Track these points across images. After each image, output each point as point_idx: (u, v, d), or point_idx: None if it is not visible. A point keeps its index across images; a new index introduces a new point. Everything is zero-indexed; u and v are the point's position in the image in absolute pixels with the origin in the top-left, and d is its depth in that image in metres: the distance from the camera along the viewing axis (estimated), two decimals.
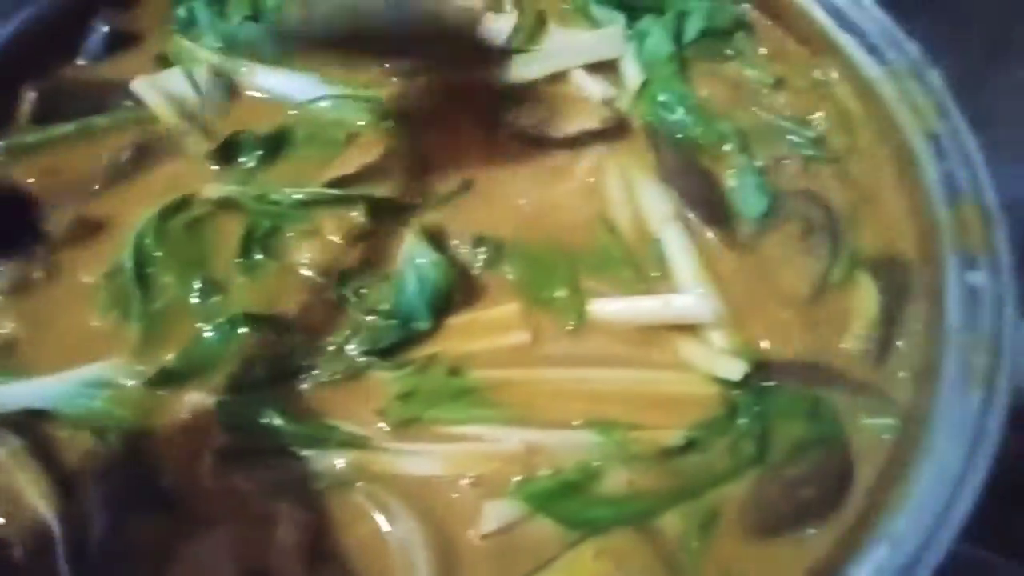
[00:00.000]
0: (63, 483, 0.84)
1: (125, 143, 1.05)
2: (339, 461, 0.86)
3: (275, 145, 1.06)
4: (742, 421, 0.88)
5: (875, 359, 0.92)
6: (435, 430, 0.88)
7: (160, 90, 1.08)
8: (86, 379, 0.88)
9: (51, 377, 0.89)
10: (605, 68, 1.11)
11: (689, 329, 0.93)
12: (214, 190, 1.01)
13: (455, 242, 0.99)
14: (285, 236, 0.99)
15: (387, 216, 1.00)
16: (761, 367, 0.90)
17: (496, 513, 0.83)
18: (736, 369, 0.89)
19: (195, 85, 1.09)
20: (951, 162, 0.97)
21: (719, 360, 0.90)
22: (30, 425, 0.87)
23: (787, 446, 0.87)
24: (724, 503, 0.85)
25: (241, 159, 1.05)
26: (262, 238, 0.99)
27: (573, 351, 0.93)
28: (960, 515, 0.79)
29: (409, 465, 0.86)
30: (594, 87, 1.09)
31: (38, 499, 0.83)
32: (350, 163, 1.02)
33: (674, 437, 0.86)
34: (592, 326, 0.94)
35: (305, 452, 0.86)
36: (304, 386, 0.90)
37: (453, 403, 0.89)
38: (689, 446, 0.87)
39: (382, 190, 1.01)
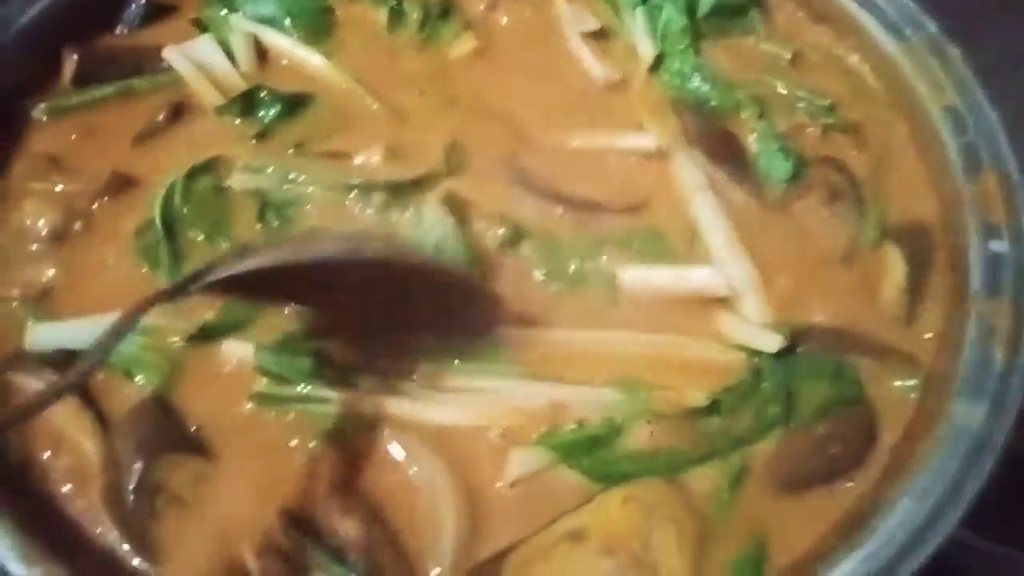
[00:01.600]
0: (101, 422, 0.86)
1: (160, 105, 1.08)
2: (370, 406, 0.87)
3: (293, 104, 1.08)
4: (767, 385, 0.88)
5: (903, 324, 0.93)
6: (463, 382, 0.89)
7: (191, 57, 1.11)
8: None
9: (86, 320, 0.90)
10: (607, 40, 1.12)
11: (725, 301, 0.93)
12: (239, 180, 1.01)
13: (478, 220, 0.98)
14: (303, 209, 1.00)
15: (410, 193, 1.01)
16: (796, 334, 0.90)
17: (521, 459, 0.84)
18: (773, 342, 0.89)
19: (225, 52, 1.12)
20: (971, 135, 0.98)
21: (756, 333, 0.90)
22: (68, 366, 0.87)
23: (812, 407, 0.88)
24: (753, 458, 0.86)
25: (259, 113, 1.07)
26: (279, 207, 1.00)
27: (601, 319, 0.94)
28: (983, 471, 0.80)
29: (438, 414, 0.87)
30: (596, 67, 1.09)
31: (80, 435, 0.85)
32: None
33: (698, 398, 0.87)
34: (619, 297, 0.95)
35: (338, 396, 0.87)
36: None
37: (480, 358, 0.90)
38: (714, 409, 0.87)
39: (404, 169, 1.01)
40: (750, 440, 0.86)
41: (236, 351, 0.90)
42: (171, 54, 1.11)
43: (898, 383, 0.90)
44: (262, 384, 0.88)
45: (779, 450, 0.86)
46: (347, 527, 0.81)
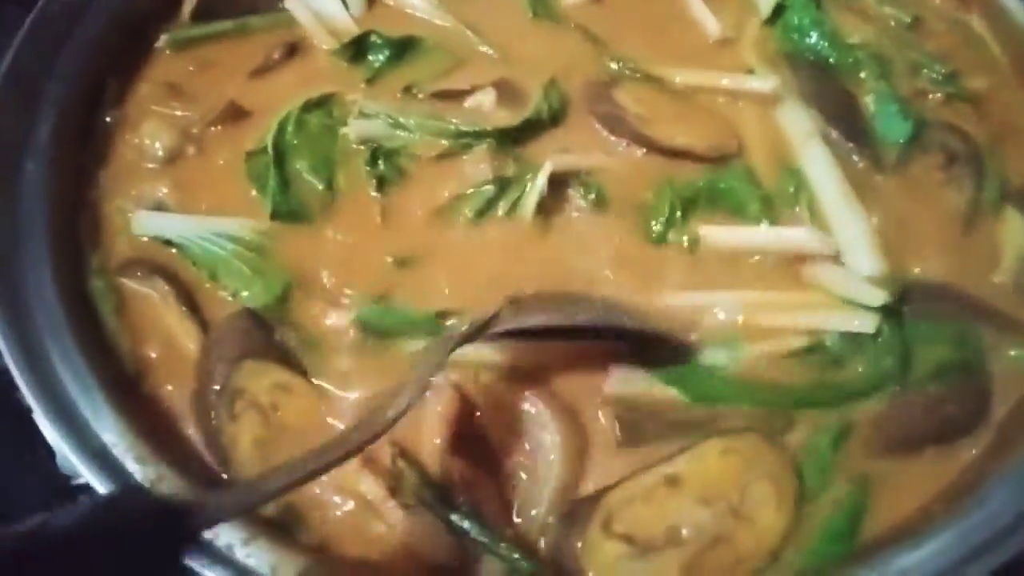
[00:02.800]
0: (204, 328, 0.89)
1: (275, 43, 1.10)
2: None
3: (403, 48, 1.09)
4: (883, 340, 0.85)
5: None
6: None
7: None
8: (217, 228, 0.94)
9: (190, 217, 0.96)
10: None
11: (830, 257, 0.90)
12: (355, 128, 1.01)
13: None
14: (414, 158, 1.00)
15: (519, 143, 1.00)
16: (908, 293, 0.88)
17: (622, 375, 0.83)
18: (877, 296, 0.86)
19: None
20: None
21: (860, 287, 0.87)
22: (173, 273, 0.93)
23: (929, 368, 0.85)
24: (858, 416, 0.83)
25: (370, 57, 1.09)
26: (388, 154, 1.01)
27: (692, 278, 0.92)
28: None
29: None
30: (710, 20, 1.08)
31: (185, 338, 0.88)
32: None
33: (801, 339, 0.85)
34: (712, 257, 0.93)
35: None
36: None
37: None
38: (828, 357, 0.85)
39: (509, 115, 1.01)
40: (859, 392, 0.84)
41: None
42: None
43: (1014, 353, 0.86)
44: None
45: (889, 408, 0.83)
46: (455, 466, 0.80)
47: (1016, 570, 0.72)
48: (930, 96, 1.02)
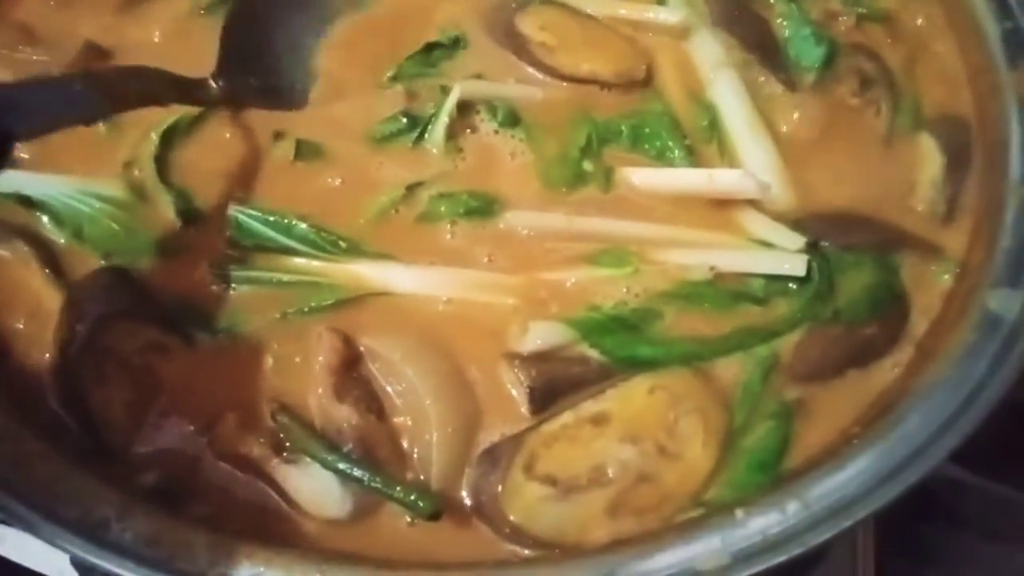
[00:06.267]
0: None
1: None
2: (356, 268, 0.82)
3: None
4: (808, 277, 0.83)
5: (940, 216, 0.88)
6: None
7: None
8: (82, 187, 0.86)
9: (53, 176, 0.87)
10: None
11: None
12: None
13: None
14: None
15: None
16: (826, 225, 0.86)
17: (542, 332, 0.79)
18: (795, 240, 0.84)
19: None
20: (1016, 19, 0.92)
21: (778, 230, 0.85)
22: (34, 234, 0.84)
23: (852, 295, 0.83)
24: (783, 348, 0.81)
25: None
26: None
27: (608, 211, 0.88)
28: (1016, 362, 0.75)
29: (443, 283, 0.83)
30: None
31: (51, 304, 0.80)
32: None
33: (701, 270, 0.82)
34: (627, 197, 0.89)
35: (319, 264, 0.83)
36: None
37: None
38: (753, 299, 0.83)
39: None
40: (782, 332, 0.82)
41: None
42: None
43: (932, 271, 0.85)
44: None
45: (810, 336, 0.81)
46: (342, 415, 0.75)
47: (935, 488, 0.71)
48: (841, 18, 0.99)
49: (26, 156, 0.88)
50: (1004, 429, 0.78)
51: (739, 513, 0.71)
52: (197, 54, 0.92)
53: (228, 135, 0.92)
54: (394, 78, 0.95)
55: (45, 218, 0.85)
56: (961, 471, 1.04)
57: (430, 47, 0.96)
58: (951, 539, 1.07)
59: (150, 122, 0.89)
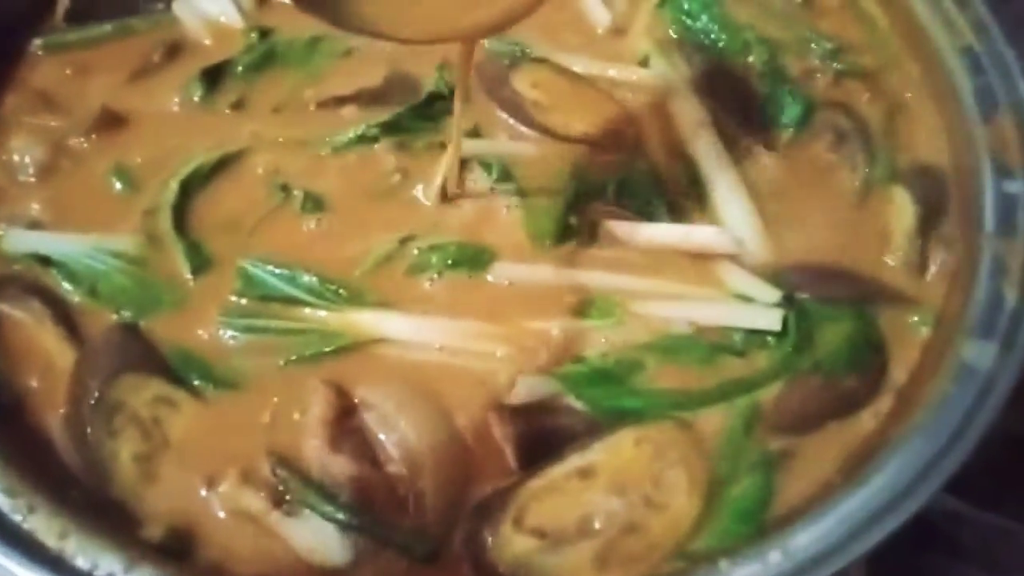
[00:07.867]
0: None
1: (156, 43, 1.05)
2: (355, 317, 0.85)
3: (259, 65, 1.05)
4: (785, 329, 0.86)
5: (914, 267, 0.91)
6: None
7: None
8: (96, 245, 0.90)
9: (68, 235, 0.91)
10: None
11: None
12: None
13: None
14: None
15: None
16: (803, 279, 0.89)
17: (530, 386, 0.82)
18: (771, 294, 0.87)
19: None
20: (988, 76, 0.96)
21: (755, 284, 0.88)
22: (49, 292, 0.88)
23: (830, 347, 0.86)
24: (765, 399, 0.83)
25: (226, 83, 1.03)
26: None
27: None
28: (991, 411, 0.77)
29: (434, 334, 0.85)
30: (600, 12, 1.07)
31: (63, 362, 0.83)
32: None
33: (680, 323, 0.85)
34: (610, 250, 0.92)
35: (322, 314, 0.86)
36: None
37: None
38: (733, 353, 0.85)
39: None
40: (763, 384, 0.84)
41: None
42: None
43: (910, 322, 0.88)
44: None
45: (789, 388, 0.84)
46: (339, 465, 0.78)
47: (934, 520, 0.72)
48: (819, 75, 1.03)
49: (43, 216, 0.93)
50: (1003, 461, 0.80)
51: (723, 564, 0.72)
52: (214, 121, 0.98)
53: (239, 184, 0.96)
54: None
55: (61, 276, 0.89)
56: (960, 503, 1.06)
57: (432, 98, 1.00)
58: (951, 571, 1.08)
59: (170, 170, 0.94)
